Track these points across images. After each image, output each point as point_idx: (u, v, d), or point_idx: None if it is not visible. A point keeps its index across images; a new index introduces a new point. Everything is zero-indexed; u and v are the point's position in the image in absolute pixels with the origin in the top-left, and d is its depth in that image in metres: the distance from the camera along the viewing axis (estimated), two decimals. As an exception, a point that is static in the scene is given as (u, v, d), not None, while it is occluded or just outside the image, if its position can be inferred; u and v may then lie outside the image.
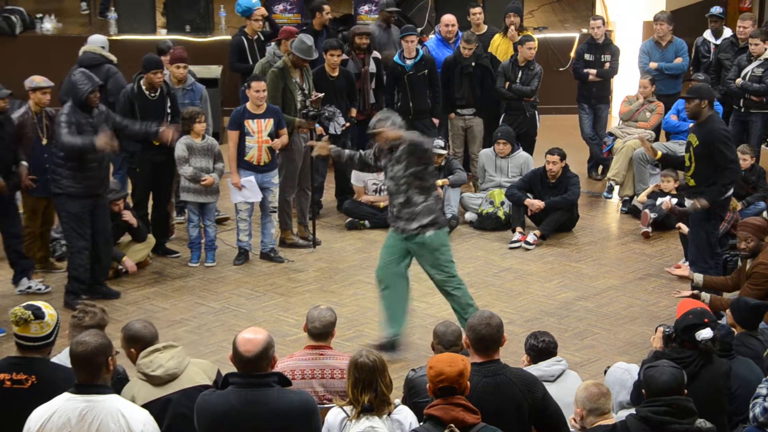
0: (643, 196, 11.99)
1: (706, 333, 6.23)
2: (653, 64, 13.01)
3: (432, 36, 13.88)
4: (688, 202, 9.45)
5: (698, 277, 8.86)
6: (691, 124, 9.67)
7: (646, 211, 11.55)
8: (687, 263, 10.53)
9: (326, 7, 13.02)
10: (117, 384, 5.84)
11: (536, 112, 12.82)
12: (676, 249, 11.05)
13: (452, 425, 5.02)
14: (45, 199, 10.20)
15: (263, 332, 5.22)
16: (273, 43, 12.13)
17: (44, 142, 10.08)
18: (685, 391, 5.56)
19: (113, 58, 11.56)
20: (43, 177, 10.06)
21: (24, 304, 5.49)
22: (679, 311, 6.57)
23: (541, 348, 6.64)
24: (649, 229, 11.53)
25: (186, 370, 5.82)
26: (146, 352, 5.85)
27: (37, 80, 10.02)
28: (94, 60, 11.24)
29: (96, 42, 11.71)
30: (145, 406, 5.62)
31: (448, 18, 13.19)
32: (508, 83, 12.62)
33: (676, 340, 6.40)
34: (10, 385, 5.34)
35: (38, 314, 5.40)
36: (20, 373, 5.36)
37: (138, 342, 5.95)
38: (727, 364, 6.42)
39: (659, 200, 11.74)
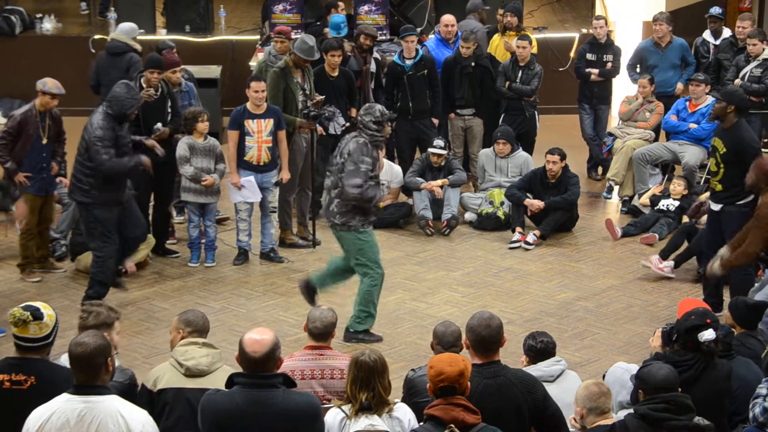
0: (645, 199, 12.00)
1: (709, 334, 6.20)
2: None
3: (431, 36, 13.89)
4: (715, 206, 9.28)
5: (723, 252, 8.72)
6: (715, 128, 9.47)
7: (614, 225, 11.55)
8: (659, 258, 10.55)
9: (340, 4, 13.08)
10: (127, 388, 5.88)
11: (536, 112, 12.82)
12: (675, 249, 11.05)
13: (452, 426, 5.02)
14: (41, 197, 10.20)
15: (270, 333, 5.23)
16: (271, 44, 12.17)
17: (44, 141, 10.07)
18: (680, 389, 5.58)
19: (138, 47, 11.79)
20: (40, 175, 10.07)
21: (23, 304, 5.49)
22: (680, 311, 6.56)
23: (540, 348, 6.64)
24: (618, 234, 11.56)
25: (215, 373, 5.94)
26: (185, 342, 6.06)
27: (50, 85, 9.96)
28: (118, 48, 11.61)
29: (123, 30, 11.95)
30: (161, 390, 5.87)
31: (448, 18, 13.19)
32: (508, 83, 12.63)
33: (678, 341, 6.38)
34: (9, 386, 5.34)
35: (37, 315, 5.40)
36: (19, 373, 5.36)
37: (189, 326, 6.18)
38: (728, 366, 6.41)
39: (662, 202, 11.75)
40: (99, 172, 9.24)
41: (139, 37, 12.08)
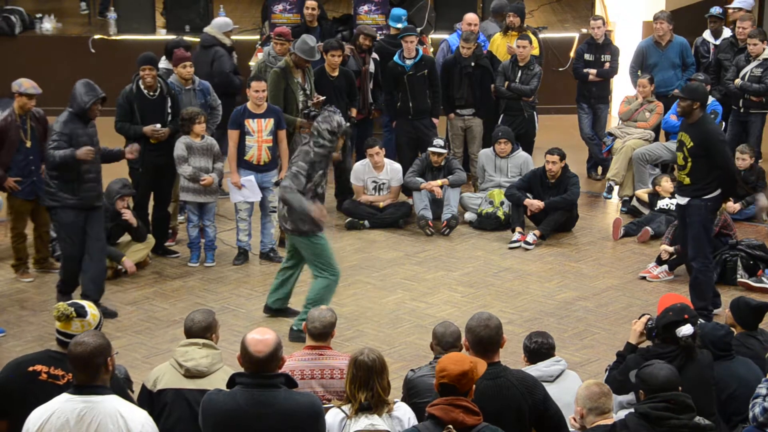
0: (642, 194, 12.01)
1: (686, 330, 6.34)
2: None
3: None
4: (681, 200, 9.42)
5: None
6: (680, 123, 9.64)
7: (620, 227, 11.56)
8: (654, 265, 10.57)
9: (310, 3, 13.13)
10: (117, 384, 5.87)
11: (535, 112, 12.81)
12: (675, 249, 11.05)
13: (450, 426, 5.02)
14: (30, 201, 10.17)
15: (272, 333, 5.24)
16: (270, 44, 12.19)
17: (28, 144, 10.00)
18: (680, 388, 5.60)
19: (227, 41, 12.43)
20: (28, 179, 10.05)
21: (69, 301, 5.55)
22: (660, 306, 6.63)
23: (533, 349, 6.64)
24: (619, 235, 11.58)
25: (215, 374, 5.96)
26: (185, 343, 6.07)
27: (26, 85, 9.86)
28: (206, 41, 12.43)
29: (215, 24, 12.79)
30: (160, 391, 5.88)
31: (471, 17, 13.11)
32: (507, 83, 12.62)
33: (658, 336, 6.49)
34: (46, 378, 5.40)
35: (81, 312, 5.48)
36: (58, 368, 5.42)
37: (184, 327, 6.18)
38: (708, 356, 6.52)
39: (663, 202, 11.75)
40: (62, 170, 9.08)
41: (142, 38, 12.15)
